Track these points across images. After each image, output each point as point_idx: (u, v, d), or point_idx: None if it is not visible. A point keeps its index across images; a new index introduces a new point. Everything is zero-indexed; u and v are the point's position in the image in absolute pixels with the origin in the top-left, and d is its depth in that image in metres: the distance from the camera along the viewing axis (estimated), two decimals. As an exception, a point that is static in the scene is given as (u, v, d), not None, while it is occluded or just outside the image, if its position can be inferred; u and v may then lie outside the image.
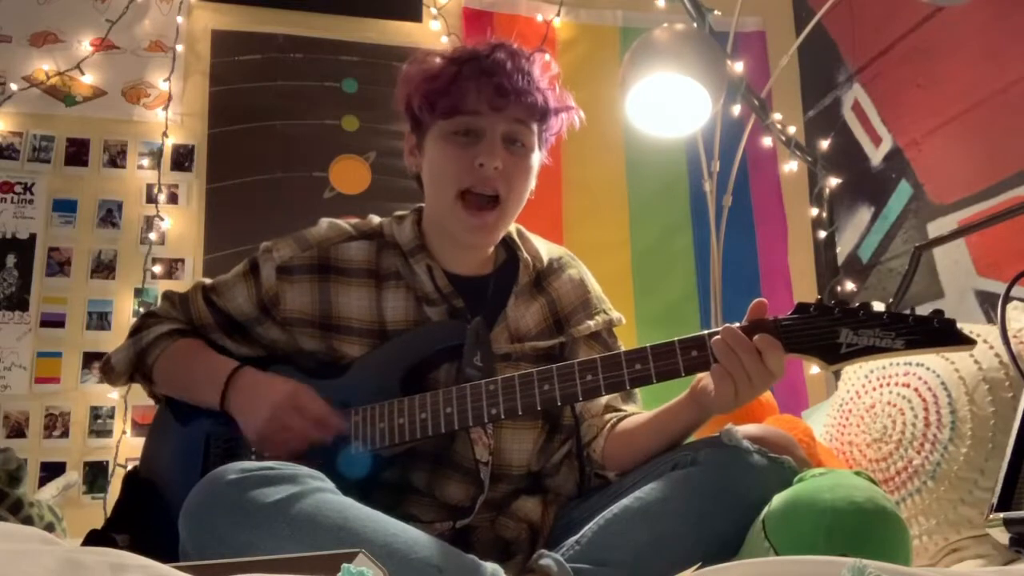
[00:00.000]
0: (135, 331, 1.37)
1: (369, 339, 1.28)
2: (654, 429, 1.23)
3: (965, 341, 1.04)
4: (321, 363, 1.30)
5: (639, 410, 1.36)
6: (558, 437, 1.33)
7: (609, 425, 1.29)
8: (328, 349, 1.29)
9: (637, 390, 1.35)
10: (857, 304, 1.07)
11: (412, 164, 1.36)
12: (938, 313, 1.05)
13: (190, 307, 1.36)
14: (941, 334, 1.04)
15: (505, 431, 1.27)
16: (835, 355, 1.06)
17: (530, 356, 1.31)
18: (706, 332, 1.12)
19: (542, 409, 1.19)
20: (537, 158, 1.32)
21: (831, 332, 1.06)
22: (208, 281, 1.38)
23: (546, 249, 1.41)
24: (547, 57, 1.33)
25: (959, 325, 1.05)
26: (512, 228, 1.39)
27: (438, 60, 1.29)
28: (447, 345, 1.25)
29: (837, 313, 1.07)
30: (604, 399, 1.32)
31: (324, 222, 1.37)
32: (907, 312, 1.05)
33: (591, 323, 1.36)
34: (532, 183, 1.33)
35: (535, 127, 1.29)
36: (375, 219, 1.38)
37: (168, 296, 1.39)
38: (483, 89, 1.24)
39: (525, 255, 1.36)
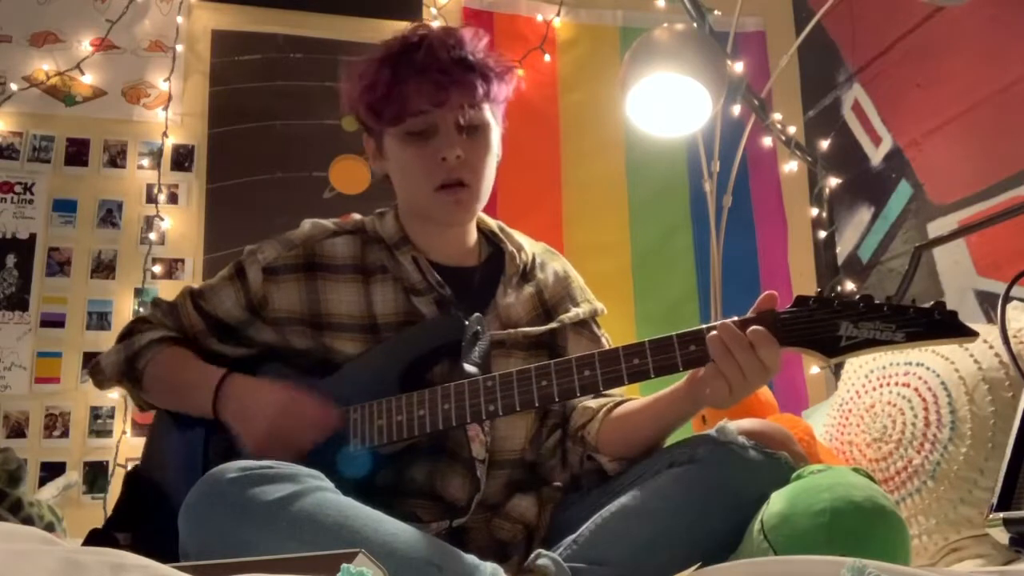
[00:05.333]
0: (125, 335, 1.36)
1: (361, 334, 1.28)
2: (648, 416, 1.23)
3: (967, 333, 1.02)
4: (316, 361, 1.30)
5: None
6: (548, 423, 1.34)
7: (605, 409, 1.29)
8: (320, 347, 1.29)
9: None
10: (858, 296, 1.05)
11: (378, 167, 1.38)
12: (939, 305, 1.02)
13: (179, 314, 1.36)
14: (943, 326, 1.02)
15: (499, 420, 1.27)
16: (835, 348, 1.04)
17: (522, 343, 1.31)
18: (704, 327, 1.11)
19: (539, 406, 1.19)
20: (495, 131, 1.34)
21: (831, 325, 1.04)
22: (196, 287, 1.38)
23: (528, 244, 1.43)
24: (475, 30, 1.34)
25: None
26: (493, 224, 1.42)
27: (371, 66, 1.28)
28: (445, 341, 1.24)
29: (836, 306, 1.05)
30: None
31: (307, 222, 1.38)
32: (908, 304, 1.04)
33: (579, 311, 1.38)
34: (497, 152, 1.34)
35: (484, 104, 1.30)
36: (357, 217, 1.40)
37: (157, 303, 1.39)
38: (423, 88, 1.25)
39: (510, 248, 1.38)
